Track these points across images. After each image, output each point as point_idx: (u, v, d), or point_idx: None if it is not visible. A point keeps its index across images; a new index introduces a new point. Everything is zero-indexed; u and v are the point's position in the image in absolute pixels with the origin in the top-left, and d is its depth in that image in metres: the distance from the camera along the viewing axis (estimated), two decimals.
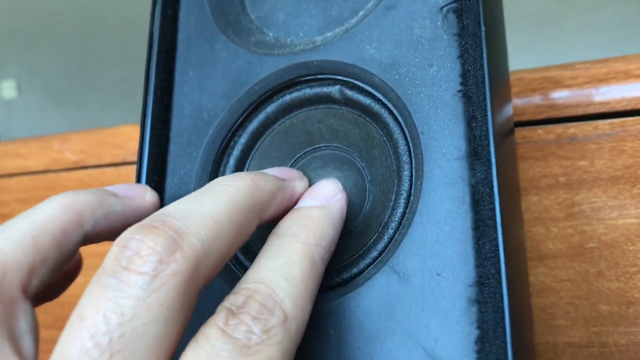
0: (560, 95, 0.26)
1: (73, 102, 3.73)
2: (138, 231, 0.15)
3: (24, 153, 0.38)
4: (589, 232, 0.26)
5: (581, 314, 0.26)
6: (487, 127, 0.16)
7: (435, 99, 0.18)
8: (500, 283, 0.15)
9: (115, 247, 0.15)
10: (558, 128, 0.26)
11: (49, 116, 3.84)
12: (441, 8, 0.18)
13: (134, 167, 0.35)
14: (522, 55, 2.62)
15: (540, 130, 0.26)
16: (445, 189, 0.17)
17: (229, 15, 0.23)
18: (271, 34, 0.22)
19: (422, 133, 0.18)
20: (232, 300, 0.15)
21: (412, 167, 0.18)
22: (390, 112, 0.19)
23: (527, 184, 0.27)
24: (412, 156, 0.18)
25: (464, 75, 0.17)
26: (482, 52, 0.17)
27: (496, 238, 0.15)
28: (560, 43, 2.60)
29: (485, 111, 0.16)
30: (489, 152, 0.16)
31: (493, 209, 0.15)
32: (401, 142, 0.19)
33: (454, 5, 0.18)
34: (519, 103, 0.27)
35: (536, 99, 0.27)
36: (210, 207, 0.16)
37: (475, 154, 0.16)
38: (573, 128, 0.26)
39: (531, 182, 0.27)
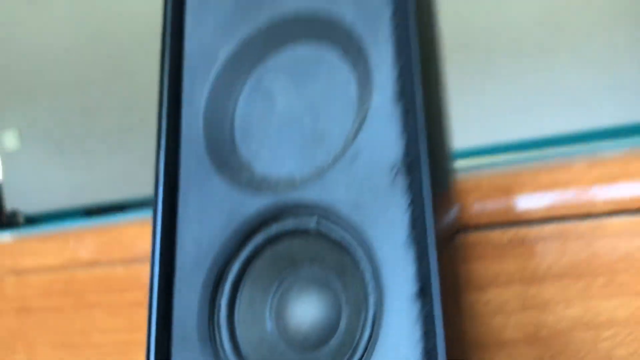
0: (512, 202, 0.30)
1: (74, 151, 3.79)
2: None
3: (43, 251, 0.42)
4: (542, 322, 0.29)
5: None
6: (431, 269, 0.20)
7: (393, 241, 0.22)
8: None
9: None
10: (511, 231, 0.30)
11: (51, 165, 3.90)
12: (391, 168, 0.22)
13: (142, 265, 0.39)
14: (517, 85, 2.69)
15: (496, 233, 0.30)
16: (401, 319, 0.21)
17: (222, 153, 0.27)
18: (258, 171, 0.27)
19: (383, 268, 0.22)
20: None
21: (376, 296, 0.22)
22: (358, 246, 0.23)
23: (488, 280, 0.30)
24: (376, 287, 0.22)
25: (413, 223, 0.21)
26: (424, 206, 0.21)
27: None
28: (553, 73, 2.67)
29: (430, 256, 0.20)
30: (435, 291, 0.20)
31: (436, 345, 0.19)
32: (367, 273, 0.23)
33: (402, 166, 0.22)
34: (478, 208, 0.31)
35: (492, 205, 0.31)
36: None
37: (423, 293, 0.20)
38: (524, 231, 0.30)
39: (491, 279, 0.30)
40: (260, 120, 0.28)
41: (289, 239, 0.25)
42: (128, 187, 3.64)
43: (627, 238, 0.28)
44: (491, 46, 2.72)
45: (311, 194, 0.24)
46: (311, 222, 0.25)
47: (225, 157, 0.27)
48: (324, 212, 0.24)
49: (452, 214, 0.29)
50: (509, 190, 0.30)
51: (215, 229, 0.26)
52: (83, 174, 3.78)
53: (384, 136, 0.23)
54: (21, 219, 1.61)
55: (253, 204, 0.25)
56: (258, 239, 0.25)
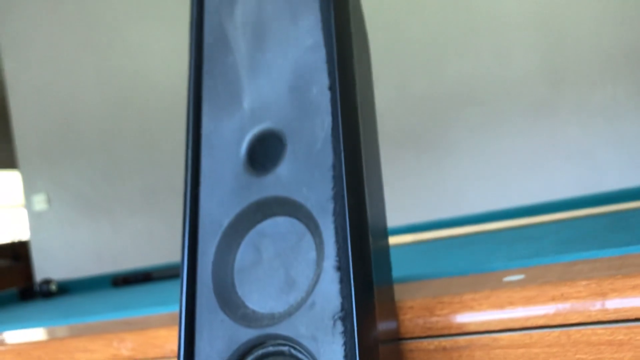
0: (434, 320, 0.42)
1: (100, 212, 3.96)
2: None
3: (92, 348, 0.54)
4: None
5: None
6: None
7: None
8: None
9: None
10: (435, 341, 0.41)
11: (77, 226, 4.07)
12: (333, 316, 0.34)
13: None
14: (523, 138, 2.79)
15: (425, 342, 0.42)
16: None
17: (225, 294, 0.39)
18: (250, 307, 0.39)
19: None
20: None
21: None
22: None
23: None
24: None
25: (346, 354, 0.33)
26: (354, 344, 0.32)
27: None
28: (556, 126, 2.77)
29: None
30: None
31: None
32: None
33: (338, 317, 0.34)
34: (410, 325, 0.42)
35: (421, 321, 0.42)
36: None
37: None
38: (444, 342, 0.41)
39: None
40: (251, 270, 0.40)
41: (271, 358, 0.37)
42: (151, 246, 3.77)
43: (514, 348, 0.39)
44: (493, 102, 2.84)
45: (284, 329, 0.36)
46: (285, 349, 0.36)
47: (227, 297, 0.39)
48: (293, 342, 0.36)
49: (393, 325, 0.41)
50: (433, 311, 0.42)
51: (220, 351, 0.38)
52: (108, 234, 3.94)
53: (329, 292, 0.35)
54: (55, 288, 1.73)
55: (246, 334, 0.37)
56: (249, 359, 0.37)
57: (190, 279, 0.40)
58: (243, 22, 0.45)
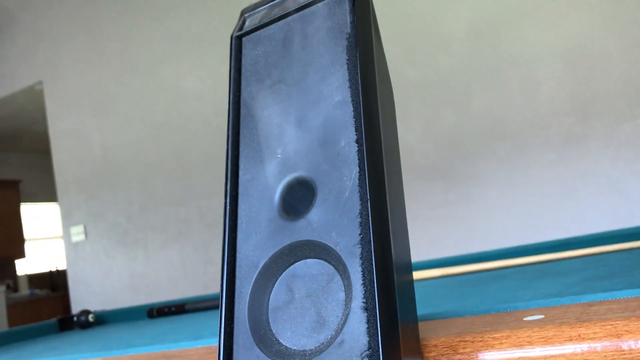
0: (457, 358, 0.44)
1: (135, 243, 4.04)
2: None
3: None
4: None
5: None
6: None
7: None
8: None
9: None
10: None
11: (113, 257, 4.16)
12: (361, 354, 0.37)
13: None
14: (552, 171, 2.78)
15: None
16: None
17: (260, 331, 0.43)
18: (283, 344, 0.42)
19: None
20: None
21: None
22: None
23: None
24: None
25: None
26: None
27: None
28: (586, 159, 2.75)
29: None
30: None
31: None
32: None
33: (365, 355, 0.37)
34: None
35: (444, 359, 0.44)
36: None
37: None
38: None
39: None
40: (285, 309, 0.43)
41: None
42: (184, 277, 3.83)
43: None
44: (521, 135, 2.84)
45: None
46: None
47: (262, 334, 0.43)
48: None
49: None
50: (456, 349, 0.44)
51: None
52: (143, 264, 4.01)
53: (357, 332, 0.38)
54: (92, 319, 1.79)
55: None
56: None
57: (228, 317, 0.43)
58: (278, 79, 0.49)
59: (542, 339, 0.42)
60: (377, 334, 0.37)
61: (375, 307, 0.38)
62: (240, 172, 0.49)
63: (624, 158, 2.70)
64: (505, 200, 2.88)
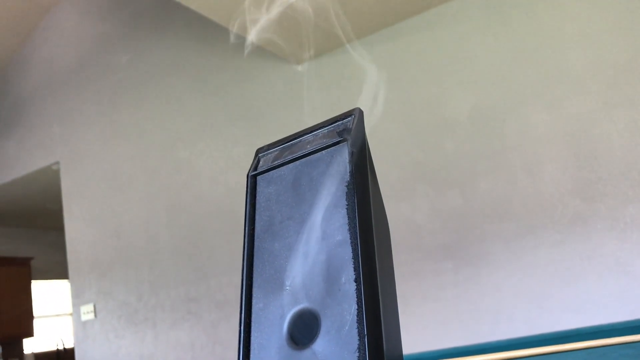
0: None
1: (144, 322, 4.05)
2: None
3: None
4: None
5: None
6: None
7: None
8: None
9: None
10: None
11: (122, 336, 4.15)
12: None
13: None
14: (559, 252, 2.80)
15: None
16: None
17: None
18: None
19: None
20: None
21: None
22: None
23: None
24: None
25: None
26: None
27: None
28: (592, 240, 2.78)
29: None
30: None
31: None
32: None
33: None
34: None
35: None
36: None
37: None
38: None
39: None
40: None
41: None
42: (192, 357, 3.80)
43: None
44: (526, 216, 2.88)
45: None
46: None
47: None
48: None
49: None
50: None
51: None
52: (151, 344, 4.00)
53: None
54: None
55: None
56: None
57: None
58: (287, 216, 0.56)
59: None
60: None
61: None
62: (254, 301, 0.54)
63: (630, 239, 2.72)
64: (513, 281, 2.89)
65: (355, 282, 0.49)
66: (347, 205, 0.53)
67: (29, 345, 6.85)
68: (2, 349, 5.81)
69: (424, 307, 2.99)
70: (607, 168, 2.77)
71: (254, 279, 0.56)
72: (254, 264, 0.56)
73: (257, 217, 0.58)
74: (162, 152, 4.07)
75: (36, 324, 6.69)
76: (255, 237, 0.57)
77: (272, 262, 0.55)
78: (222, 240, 3.71)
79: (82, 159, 4.50)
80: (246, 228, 0.58)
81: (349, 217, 0.52)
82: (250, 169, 0.61)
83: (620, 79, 2.75)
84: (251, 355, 0.52)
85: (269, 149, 0.62)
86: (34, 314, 6.63)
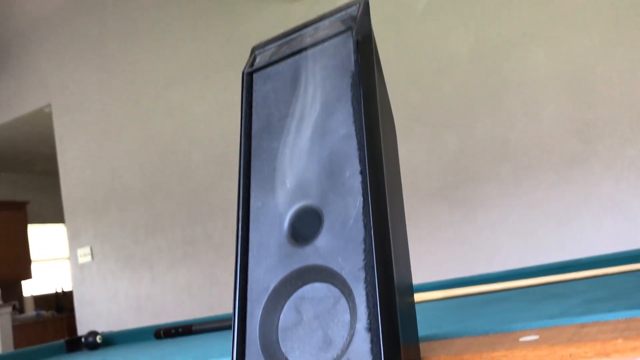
0: None
1: (141, 264, 4.07)
2: None
3: None
4: None
5: None
6: None
7: None
8: None
9: None
10: None
11: (119, 278, 4.18)
12: None
13: None
14: (555, 193, 2.80)
15: None
16: None
17: (271, 350, 0.45)
18: None
19: None
20: None
21: None
22: None
23: None
24: None
25: None
26: None
27: None
28: (589, 181, 2.77)
29: None
30: None
31: None
32: None
33: None
34: None
35: None
36: None
37: None
38: None
39: None
40: (293, 329, 0.46)
41: None
42: (190, 298, 3.84)
43: None
44: (524, 157, 2.86)
45: None
46: None
47: (272, 353, 0.45)
48: None
49: None
50: None
51: None
52: (149, 286, 4.03)
53: (362, 351, 0.41)
54: (100, 340, 1.81)
55: None
56: None
57: (240, 337, 0.46)
58: (287, 113, 0.53)
59: (536, 358, 0.44)
60: (380, 353, 0.40)
61: (379, 328, 0.41)
62: (252, 200, 0.52)
63: (627, 180, 2.72)
64: (508, 221, 2.90)
65: (361, 174, 0.46)
66: (352, 96, 0.49)
67: (28, 288, 6.93)
68: (2, 291, 5.88)
69: (420, 249, 3.00)
70: (606, 109, 2.74)
71: (252, 178, 0.53)
72: (252, 163, 0.53)
73: (254, 115, 0.55)
74: (155, 94, 4.00)
75: (34, 267, 6.75)
76: (253, 136, 0.54)
77: (271, 161, 0.52)
78: (218, 184, 3.69)
79: (74, 101, 4.42)
80: (242, 127, 0.55)
81: (354, 109, 0.49)
82: (245, 67, 0.58)
83: (622, 19, 2.68)
84: (249, 254, 0.50)
85: (265, 45, 0.58)
86: (31, 257, 6.68)
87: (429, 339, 0.57)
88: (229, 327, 1.57)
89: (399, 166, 0.54)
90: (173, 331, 1.75)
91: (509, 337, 0.52)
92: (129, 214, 4.13)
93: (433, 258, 3.02)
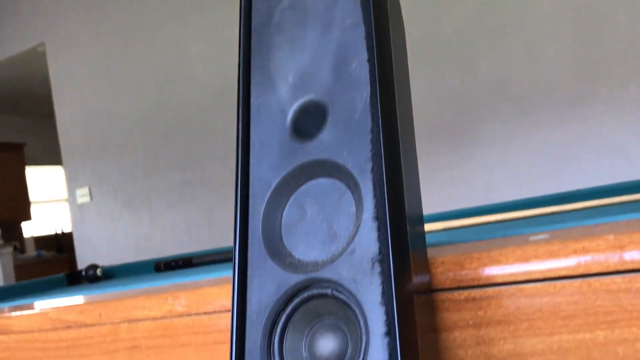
0: (464, 273, 0.45)
1: (139, 205, 4.07)
2: None
3: (149, 306, 0.60)
4: (489, 353, 0.44)
5: None
6: (394, 318, 0.36)
7: (374, 301, 0.37)
8: None
9: None
10: (465, 292, 0.45)
11: (118, 218, 4.19)
12: (371, 260, 0.38)
13: (221, 315, 0.55)
14: (556, 133, 2.77)
15: (455, 293, 0.46)
16: (377, 349, 0.36)
17: (274, 245, 0.44)
18: (296, 256, 0.43)
19: (369, 319, 0.37)
20: None
21: (366, 336, 0.38)
22: (355, 305, 0.39)
23: (452, 325, 0.45)
24: (365, 330, 0.38)
25: (383, 292, 0.37)
26: (391, 281, 0.37)
27: None
28: (590, 120, 2.74)
29: (394, 310, 0.36)
30: (395, 331, 0.35)
31: None
32: (361, 322, 0.38)
33: (376, 260, 0.38)
34: (442, 277, 0.46)
35: (452, 274, 0.46)
36: None
37: (389, 333, 0.36)
38: (474, 292, 0.45)
39: (454, 324, 0.45)
40: (297, 225, 0.44)
41: (315, 300, 0.41)
42: (188, 238, 3.87)
43: (539, 297, 0.43)
44: (525, 96, 2.83)
45: (327, 273, 0.40)
46: (328, 290, 0.41)
47: (275, 248, 0.44)
48: (335, 285, 0.40)
49: (426, 278, 0.45)
50: (462, 265, 0.46)
51: (270, 294, 0.42)
52: (147, 226, 4.05)
53: (368, 240, 0.39)
54: (100, 273, 1.82)
55: (292, 279, 0.42)
56: (296, 300, 0.42)
57: (243, 233, 0.45)
58: (289, 5, 0.50)
59: (548, 252, 0.43)
60: (388, 240, 0.38)
61: (386, 215, 0.39)
62: (252, 98, 0.49)
63: (629, 120, 2.69)
64: (508, 161, 2.88)
65: (369, 62, 0.44)
66: None
67: (28, 230, 6.97)
68: (2, 232, 5.91)
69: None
70: (610, 47, 2.68)
71: (252, 76, 0.50)
72: (252, 60, 0.50)
73: (253, 9, 0.52)
74: (150, 31, 3.90)
75: (33, 209, 6.77)
76: (253, 31, 0.51)
77: (273, 56, 0.49)
78: (217, 126, 3.65)
79: (68, 40, 4.32)
80: (241, 22, 0.52)
81: None
82: None
83: None
84: (251, 151, 0.48)
85: None
86: (30, 199, 6.69)
87: (435, 245, 0.56)
88: (229, 259, 1.57)
89: (407, 61, 0.51)
90: (173, 264, 1.76)
91: (518, 237, 0.50)
92: (126, 154, 4.11)
93: (432, 197, 3.02)
